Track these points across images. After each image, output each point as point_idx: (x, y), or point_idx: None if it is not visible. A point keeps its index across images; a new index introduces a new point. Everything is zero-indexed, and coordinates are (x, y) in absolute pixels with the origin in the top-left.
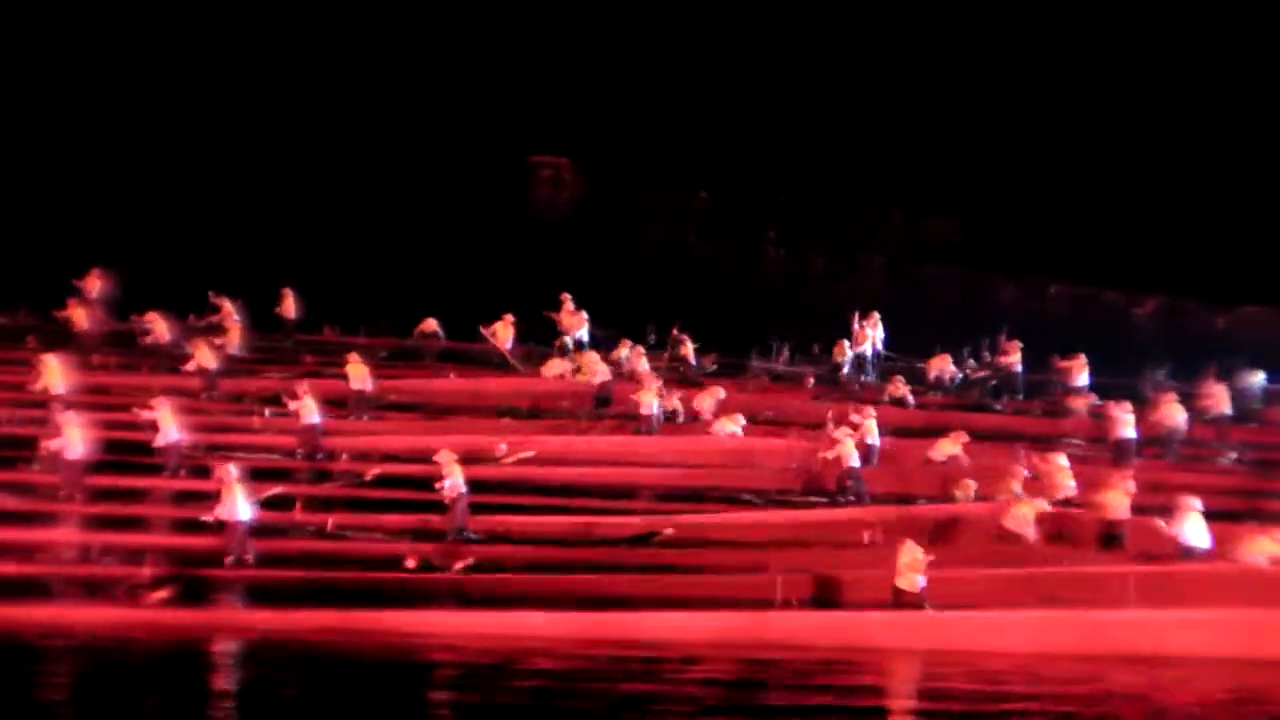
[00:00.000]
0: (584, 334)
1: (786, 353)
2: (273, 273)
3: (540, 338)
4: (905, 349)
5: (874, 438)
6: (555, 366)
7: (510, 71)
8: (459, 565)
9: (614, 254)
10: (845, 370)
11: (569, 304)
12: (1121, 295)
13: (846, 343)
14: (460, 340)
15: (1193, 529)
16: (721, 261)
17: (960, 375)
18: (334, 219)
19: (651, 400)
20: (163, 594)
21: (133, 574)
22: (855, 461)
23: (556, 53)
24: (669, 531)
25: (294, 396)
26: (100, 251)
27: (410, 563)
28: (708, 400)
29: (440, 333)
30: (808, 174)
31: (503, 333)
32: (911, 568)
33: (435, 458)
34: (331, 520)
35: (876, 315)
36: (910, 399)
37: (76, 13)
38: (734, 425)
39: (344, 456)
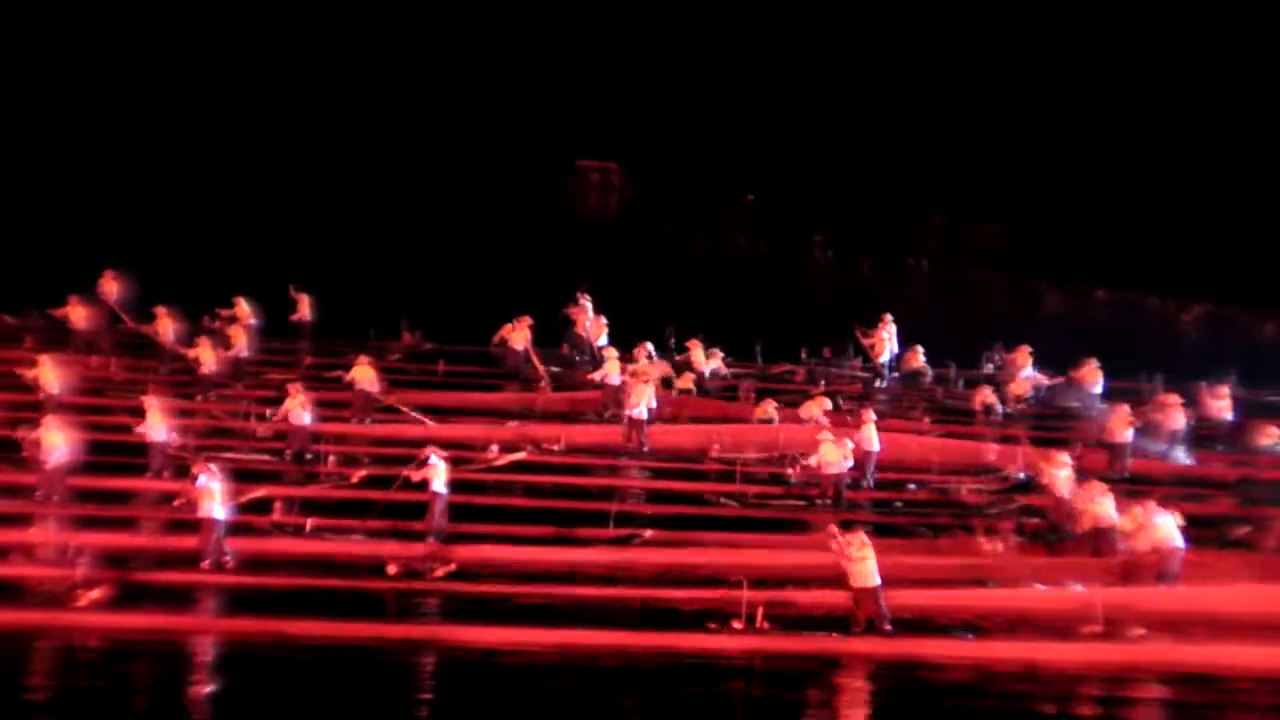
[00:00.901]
0: (604, 338)
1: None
2: (311, 277)
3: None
4: (950, 355)
5: (872, 444)
6: (683, 382)
7: (558, 78)
8: (440, 572)
9: (661, 258)
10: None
11: (589, 306)
12: (1167, 301)
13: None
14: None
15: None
16: (769, 265)
17: (1043, 387)
18: (381, 224)
19: (642, 403)
20: (95, 596)
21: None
22: (842, 466)
23: (604, 59)
24: (648, 534)
25: (287, 396)
26: (127, 252)
27: (392, 569)
28: (815, 409)
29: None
30: (854, 178)
31: (519, 336)
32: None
33: (422, 454)
34: (310, 522)
35: (889, 317)
36: (999, 407)
37: (106, 19)
38: (839, 451)
39: (330, 459)
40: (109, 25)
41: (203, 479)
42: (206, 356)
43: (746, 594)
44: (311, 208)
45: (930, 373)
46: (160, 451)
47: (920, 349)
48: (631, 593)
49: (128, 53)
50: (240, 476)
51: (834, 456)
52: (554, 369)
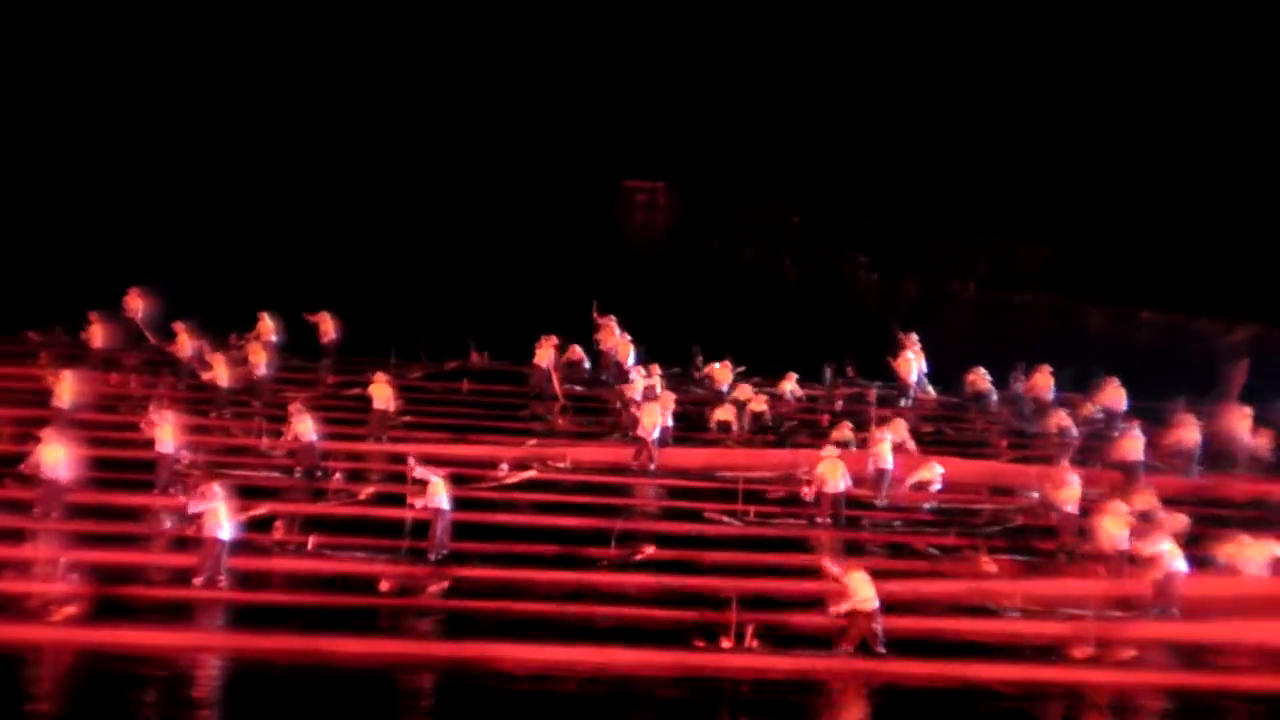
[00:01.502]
0: (631, 357)
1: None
2: (349, 296)
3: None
4: (993, 377)
5: (886, 461)
6: (724, 413)
7: (605, 98)
8: (434, 589)
9: (708, 277)
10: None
11: (614, 326)
12: (1213, 323)
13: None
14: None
15: (1169, 551)
16: (814, 285)
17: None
18: (427, 244)
19: (654, 423)
20: (70, 611)
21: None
22: (839, 486)
23: (652, 79)
24: (649, 551)
25: (292, 415)
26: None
27: (385, 585)
28: (890, 434)
29: (587, 362)
30: (900, 199)
31: (543, 355)
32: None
33: (419, 473)
34: (313, 539)
35: (914, 336)
36: (1074, 430)
37: (140, 37)
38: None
39: (338, 476)
40: (146, 44)
41: (206, 498)
42: (221, 373)
43: (735, 614)
44: (354, 227)
45: (995, 394)
46: (168, 466)
47: (983, 370)
48: (626, 611)
49: (165, 72)
50: (249, 493)
51: (833, 475)
52: (578, 388)
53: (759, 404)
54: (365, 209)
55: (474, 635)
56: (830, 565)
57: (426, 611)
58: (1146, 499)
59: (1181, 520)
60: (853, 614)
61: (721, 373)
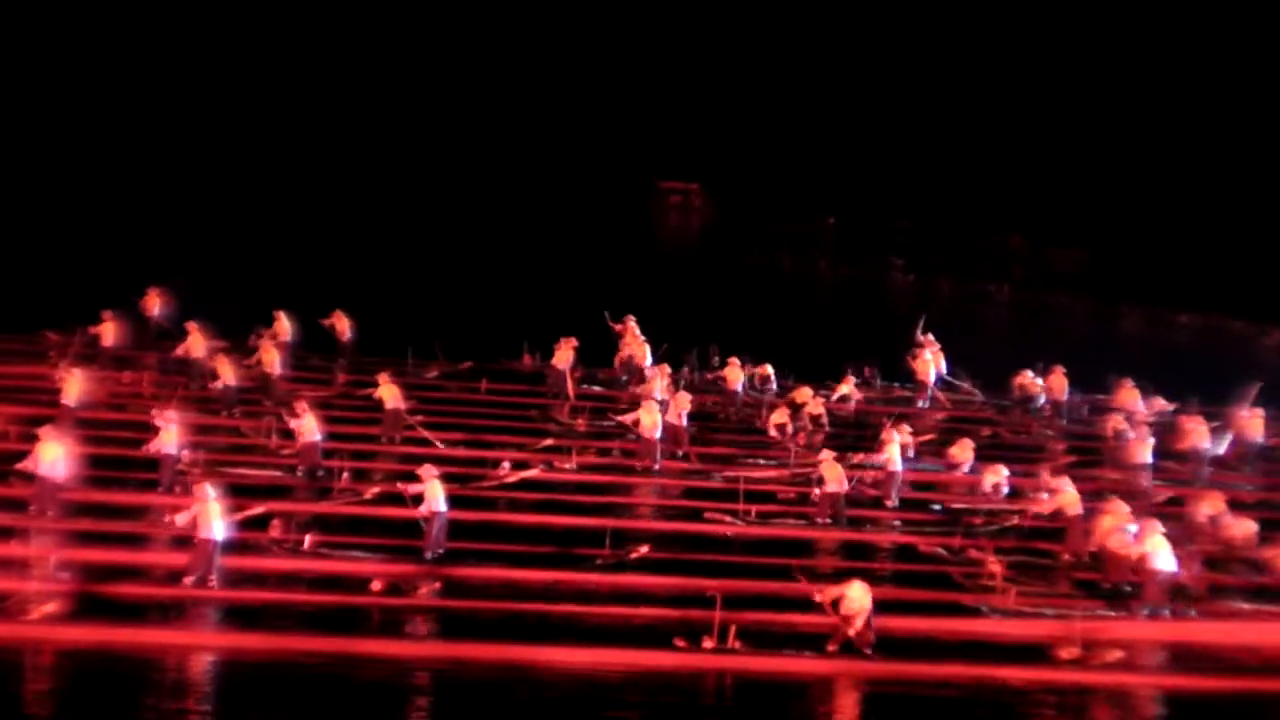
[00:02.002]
0: (648, 359)
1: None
2: (379, 296)
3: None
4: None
5: (896, 464)
6: (779, 416)
7: (639, 98)
8: (426, 589)
9: (741, 279)
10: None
11: (634, 326)
12: (1250, 325)
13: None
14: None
15: (1160, 552)
16: (849, 287)
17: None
18: (459, 243)
19: (654, 422)
20: (49, 609)
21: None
22: (838, 487)
23: (686, 80)
24: (644, 550)
25: (294, 414)
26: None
27: (376, 585)
28: (966, 452)
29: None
30: (936, 201)
31: (561, 356)
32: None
33: (418, 472)
34: (309, 538)
35: (930, 337)
36: (1130, 433)
37: (158, 42)
38: (996, 476)
39: (345, 475)
40: (167, 45)
41: (197, 499)
42: (226, 372)
43: (718, 613)
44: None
45: (1042, 396)
46: (171, 466)
47: (1030, 373)
48: (615, 610)
49: (188, 71)
50: (251, 493)
51: (832, 476)
52: (597, 389)
53: (816, 407)
54: (394, 209)
55: (464, 635)
56: (820, 595)
57: (418, 611)
58: (1215, 503)
59: (1249, 527)
60: (846, 617)
61: (732, 373)
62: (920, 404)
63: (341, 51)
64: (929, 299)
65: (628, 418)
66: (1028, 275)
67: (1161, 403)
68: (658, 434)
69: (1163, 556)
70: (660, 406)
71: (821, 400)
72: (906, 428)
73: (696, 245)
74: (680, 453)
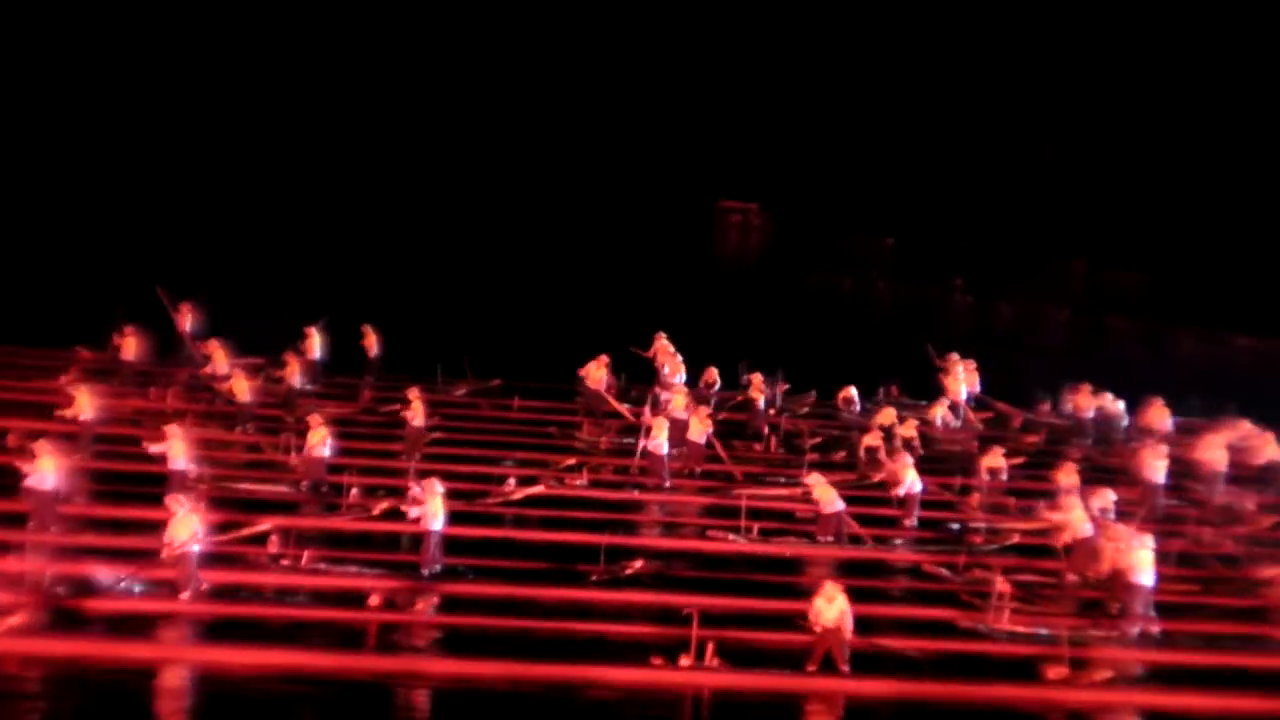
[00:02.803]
0: (681, 377)
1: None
2: (433, 313)
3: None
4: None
5: (914, 486)
6: (872, 439)
7: (699, 119)
8: (422, 605)
9: (800, 299)
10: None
11: (666, 344)
12: None
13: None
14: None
15: (1144, 567)
16: (909, 308)
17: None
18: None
19: (662, 440)
20: (14, 622)
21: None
22: (838, 506)
23: (746, 101)
24: (639, 564)
25: (308, 429)
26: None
27: (374, 600)
28: (1071, 476)
29: (719, 383)
30: (997, 223)
31: (595, 374)
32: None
33: (419, 484)
34: (308, 554)
35: (955, 357)
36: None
37: (185, 60)
38: (1102, 501)
39: (354, 491)
40: (200, 63)
41: (179, 512)
42: (241, 389)
43: (695, 631)
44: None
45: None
46: (179, 481)
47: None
48: (602, 627)
49: (226, 88)
50: (257, 508)
51: (828, 496)
52: (631, 407)
53: (908, 429)
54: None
55: (454, 651)
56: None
57: (411, 627)
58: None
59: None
60: (822, 631)
61: (756, 391)
62: (954, 423)
63: (390, 67)
64: (987, 320)
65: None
66: (1087, 298)
67: (1247, 426)
68: (665, 450)
69: (1145, 571)
70: (678, 425)
71: (914, 423)
72: (999, 450)
73: (755, 265)
74: (696, 470)
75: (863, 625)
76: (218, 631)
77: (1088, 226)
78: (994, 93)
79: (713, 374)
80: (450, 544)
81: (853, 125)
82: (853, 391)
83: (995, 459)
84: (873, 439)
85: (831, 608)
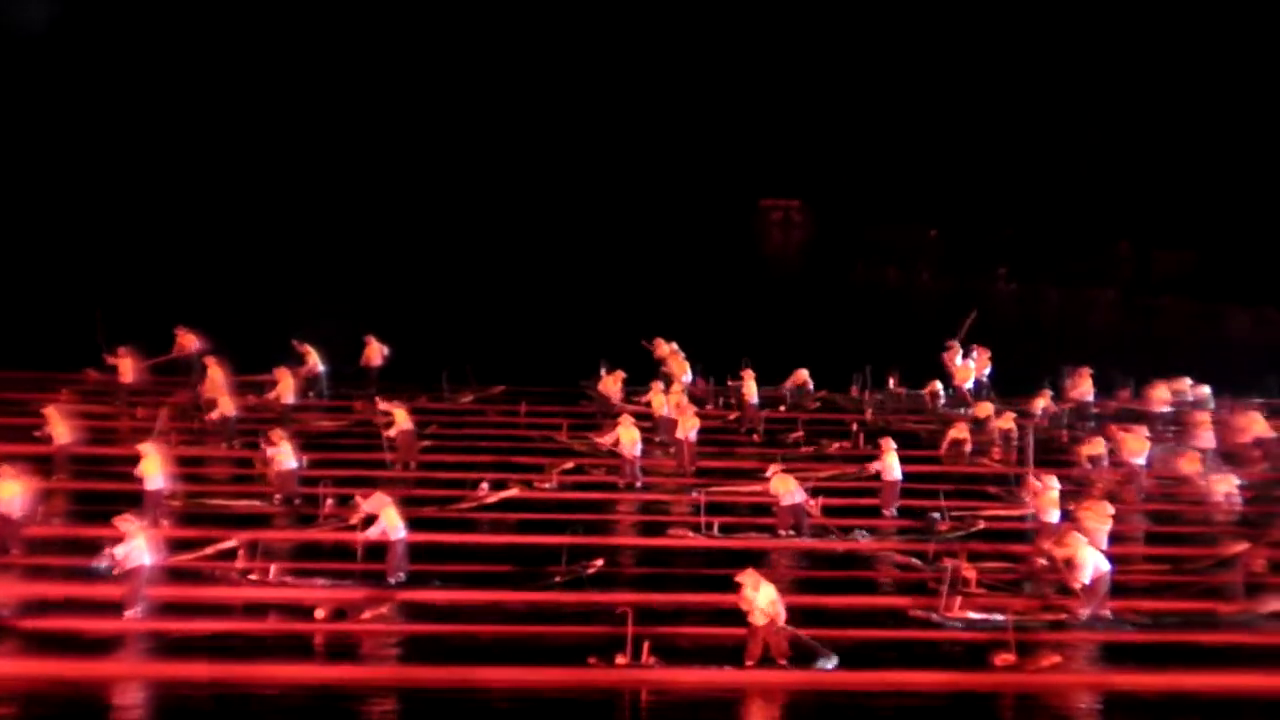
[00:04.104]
0: (687, 377)
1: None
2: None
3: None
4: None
5: (895, 473)
6: (958, 431)
7: (740, 117)
8: (370, 614)
9: (845, 293)
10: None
11: (662, 346)
12: None
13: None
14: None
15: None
16: (955, 298)
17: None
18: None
19: (633, 440)
20: None
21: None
22: (797, 498)
23: (783, 96)
24: (599, 563)
25: (270, 443)
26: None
27: (320, 613)
28: (1195, 464)
29: (810, 384)
30: (1039, 208)
31: (612, 386)
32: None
33: (366, 499)
34: (274, 568)
35: (954, 344)
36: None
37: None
38: (1227, 485)
39: (330, 501)
40: (197, 82)
41: (129, 530)
42: (226, 404)
43: (630, 629)
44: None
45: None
46: (156, 501)
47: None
48: (553, 629)
49: (223, 103)
50: (229, 523)
51: (786, 489)
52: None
53: (1006, 422)
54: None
55: (416, 658)
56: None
57: (373, 636)
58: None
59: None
60: (754, 626)
61: (748, 385)
62: (962, 410)
63: (410, 68)
64: (1034, 306)
65: (606, 438)
66: (1134, 279)
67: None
68: (637, 451)
69: (1095, 558)
70: (667, 424)
71: (1012, 415)
72: (1101, 440)
73: (798, 262)
74: (691, 469)
75: (817, 617)
76: (177, 648)
77: (1132, 207)
78: (1034, 77)
79: (802, 375)
80: (429, 551)
81: (891, 116)
82: (938, 385)
83: (1096, 447)
84: (959, 431)
85: (760, 597)
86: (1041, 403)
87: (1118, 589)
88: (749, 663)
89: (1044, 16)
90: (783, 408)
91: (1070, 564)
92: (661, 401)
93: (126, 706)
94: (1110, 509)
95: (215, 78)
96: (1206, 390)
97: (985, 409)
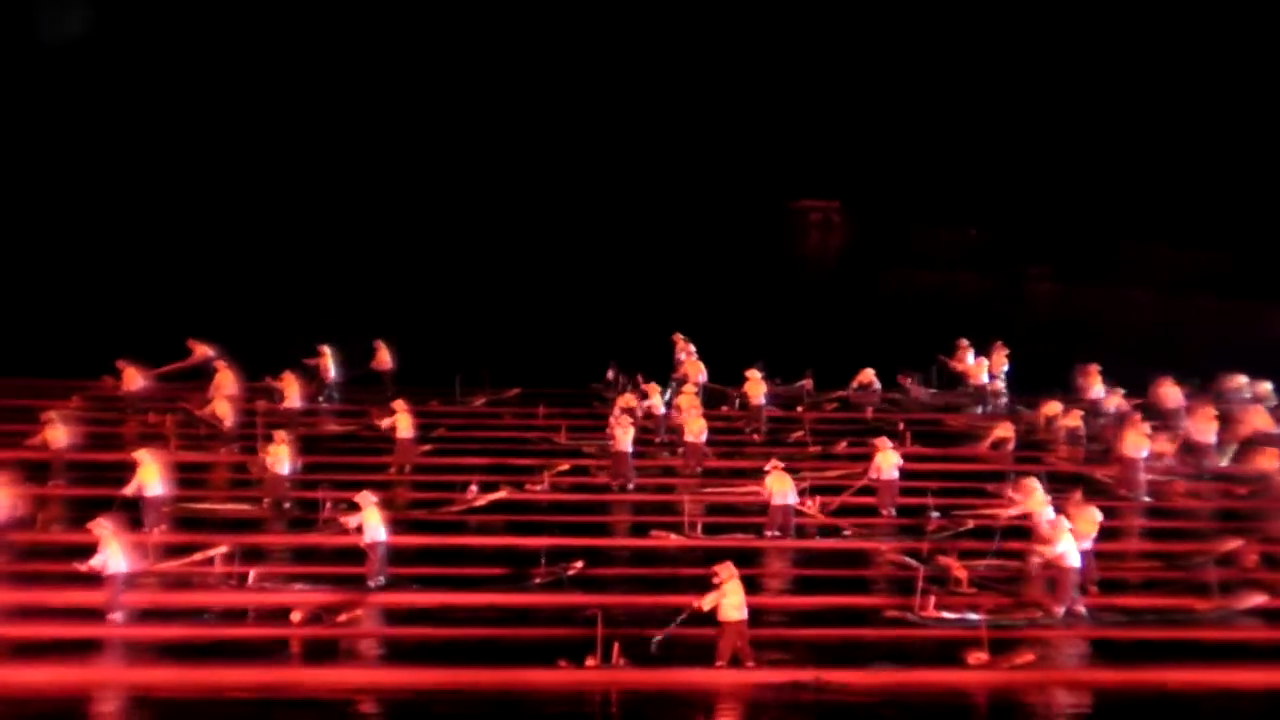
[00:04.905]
0: (703, 377)
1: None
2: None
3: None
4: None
5: (890, 473)
6: (1004, 430)
7: (776, 118)
8: (344, 618)
9: (883, 295)
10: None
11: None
12: None
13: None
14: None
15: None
16: (993, 299)
17: None
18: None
19: (626, 437)
20: None
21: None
22: (790, 499)
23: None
24: (579, 565)
25: (266, 449)
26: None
27: (296, 616)
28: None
29: (877, 384)
30: (1076, 208)
31: (654, 401)
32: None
33: (356, 499)
34: (253, 572)
35: (965, 342)
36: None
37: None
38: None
39: (329, 505)
40: (202, 92)
41: (105, 535)
42: (223, 410)
43: (600, 631)
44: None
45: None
46: (156, 507)
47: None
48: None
49: (230, 105)
50: (221, 528)
51: (781, 488)
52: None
53: (1073, 419)
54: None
55: (393, 662)
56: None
57: (355, 639)
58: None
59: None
60: (723, 625)
61: (752, 387)
62: (979, 410)
63: (427, 75)
64: (1071, 306)
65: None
66: (1169, 278)
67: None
68: (628, 448)
69: (1072, 553)
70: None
71: (1078, 413)
72: (1146, 427)
73: (836, 264)
74: (698, 470)
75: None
76: (159, 652)
77: (1166, 207)
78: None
79: (868, 375)
80: (416, 554)
81: (926, 116)
82: (1001, 385)
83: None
84: (1004, 430)
85: (729, 598)
86: (1115, 400)
87: (1108, 585)
88: (720, 662)
89: (1085, 16)
90: (801, 408)
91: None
92: (660, 402)
93: (105, 714)
94: (1098, 515)
95: (228, 86)
96: (1268, 386)
97: (1053, 408)
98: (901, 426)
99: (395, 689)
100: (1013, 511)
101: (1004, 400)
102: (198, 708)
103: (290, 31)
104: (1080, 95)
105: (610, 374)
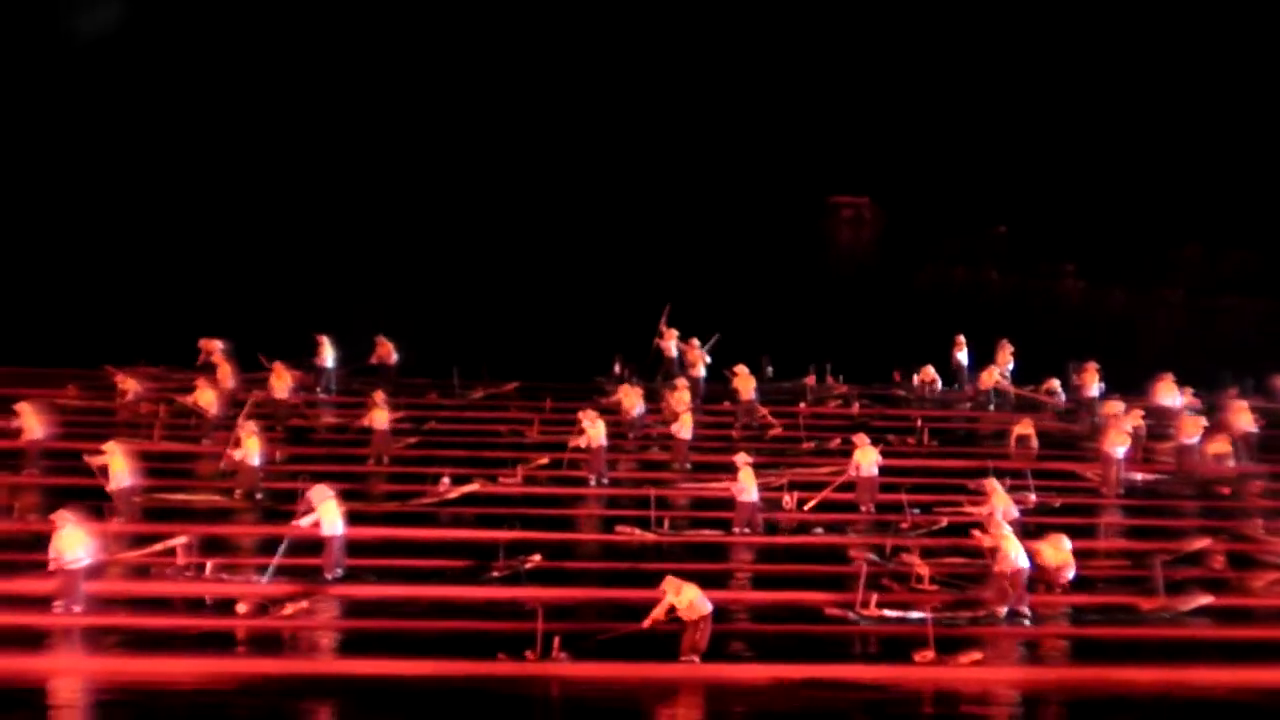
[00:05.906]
0: (702, 370)
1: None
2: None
3: None
4: (1202, 383)
5: (871, 470)
6: (1023, 427)
7: (809, 114)
8: (289, 609)
9: (915, 292)
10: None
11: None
12: None
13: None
14: None
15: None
16: (1021, 296)
17: None
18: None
19: (598, 433)
20: None
21: None
22: (750, 496)
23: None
24: (536, 557)
25: (237, 444)
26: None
27: (241, 607)
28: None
29: (938, 381)
30: (1107, 207)
31: (628, 401)
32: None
33: (309, 493)
34: (210, 563)
35: (962, 339)
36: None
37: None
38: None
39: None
40: (199, 78)
41: (66, 526)
42: (207, 399)
43: (540, 625)
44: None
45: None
46: (126, 498)
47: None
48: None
49: (232, 101)
50: (189, 518)
51: (749, 484)
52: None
53: (1134, 419)
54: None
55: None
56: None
57: (291, 631)
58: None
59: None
60: (685, 623)
61: (742, 382)
62: (969, 405)
63: (442, 69)
64: (1100, 305)
65: (581, 440)
66: (1201, 278)
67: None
68: (604, 442)
69: (1016, 552)
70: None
71: (1140, 413)
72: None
73: (868, 260)
74: (688, 465)
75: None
76: (118, 642)
77: (1197, 207)
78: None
79: (930, 372)
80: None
81: (960, 113)
82: (1055, 383)
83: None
84: (1024, 428)
85: (681, 599)
86: (1183, 399)
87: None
88: (683, 657)
89: (1115, 18)
90: (802, 404)
91: (995, 553)
92: (636, 399)
93: (60, 704)
94: (1068, 544)
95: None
96: None
97: (1115, 407)
98: (919, 423)
99: (344, 680)
100: (985, 510)
101: (1061, 398)
102: (152, 698)
103: (294, 26)
104: (1114, 96)
105: (616, 368)
